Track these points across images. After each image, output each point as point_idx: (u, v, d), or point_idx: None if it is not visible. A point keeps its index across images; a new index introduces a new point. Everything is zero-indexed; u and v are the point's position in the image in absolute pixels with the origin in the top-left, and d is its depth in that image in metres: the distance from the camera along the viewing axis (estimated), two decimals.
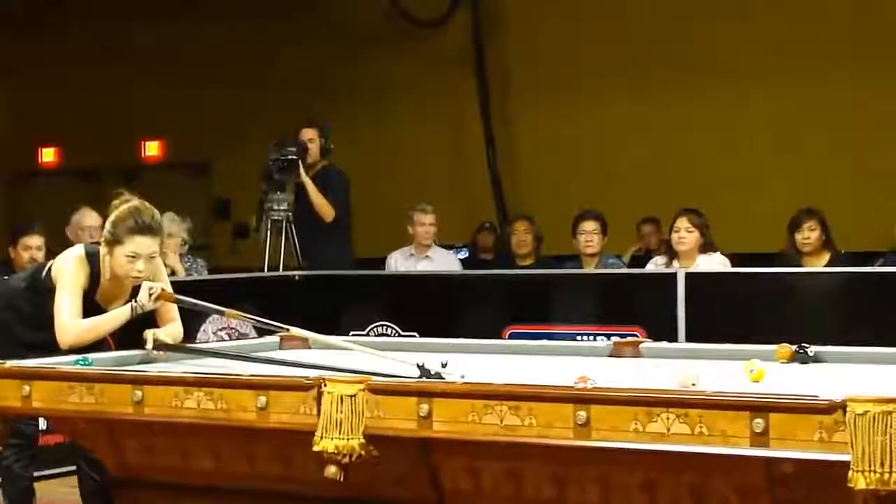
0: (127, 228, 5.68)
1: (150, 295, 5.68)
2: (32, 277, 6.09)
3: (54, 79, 16.50)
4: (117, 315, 5.72)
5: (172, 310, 5.86)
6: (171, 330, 5.76)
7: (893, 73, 12.60)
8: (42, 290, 5.85)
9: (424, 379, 4.26)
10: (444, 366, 4.40)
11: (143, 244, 5.69)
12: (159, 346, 5.53)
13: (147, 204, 5.80)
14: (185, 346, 5.74)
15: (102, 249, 5.78)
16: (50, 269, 5.88)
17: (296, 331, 5.44)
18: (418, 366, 4.35)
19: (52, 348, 5.59)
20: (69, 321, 5.66)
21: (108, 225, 5.75)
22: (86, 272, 5.80)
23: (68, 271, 5.78)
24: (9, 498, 6.22)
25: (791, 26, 12.98)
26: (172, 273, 9.90)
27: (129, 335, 5.75)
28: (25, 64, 16.82)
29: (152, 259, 5.76)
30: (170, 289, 5.88)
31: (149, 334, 5.58)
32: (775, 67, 13.02)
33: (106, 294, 5.87)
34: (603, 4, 13.91)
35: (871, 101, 12.70)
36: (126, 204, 5.76)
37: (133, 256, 5.68)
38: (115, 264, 5.73)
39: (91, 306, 5.81)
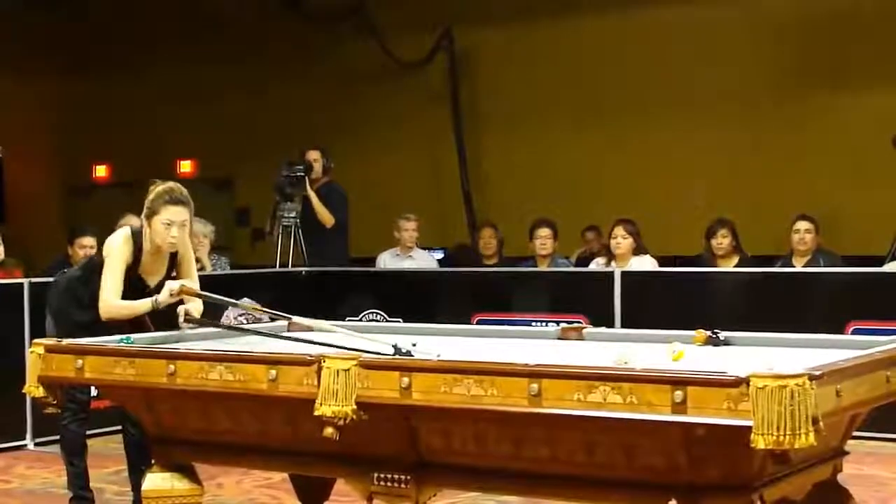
0: (162, 201, 5.74)
1: (171, 293, 5.68)
2: (87, 263, 6.20)
3: (105, 107, 16.44)
4: (143, 304, 5.74)
5: (195, 285, 5.88)
6: (199, 305, 5.76)
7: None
8: (95, 270, 5.88)
9: (398, 357, 4.24)
10: (414, 346, 4.40)
11: (175, 213, 5.74)
12: (189, 319, 5.54)
13: (178, 184, 5.85)
14: (207, 321, 5.74)
15: (143, 224, 5.80)
16: (101, 250, 5.92)
17: (297, 319, 5.44)
18: (393, 346, 4.35)
19: (97, 327, 5.60)
20: (109, 298, 5.73)
21: (146, 203, 5.80)
22: (130, 248, 5.82)
23: (115, 249, 5.82)
24: (66, 451, 6.22)
25: (694, 71, 13.03)
26: (202, 268, 9.90)
27: (162, 320, 5.76)
28: (82, 95, 16.78)
29: (184, 227, 5.79)
30: (196, 284, 5.88)
31: (181, 310, 5.60)
32: (684, 104, 13.08)
33: (147, 268, 5.89)
34: (556, 54, 13.91)
35: (763, 137, 12.77)
36: (160, 185, 5.82)
37: (168, 224, 5.72)
38: (154, 233, 5.76)
39: (135, 279, 5.85)
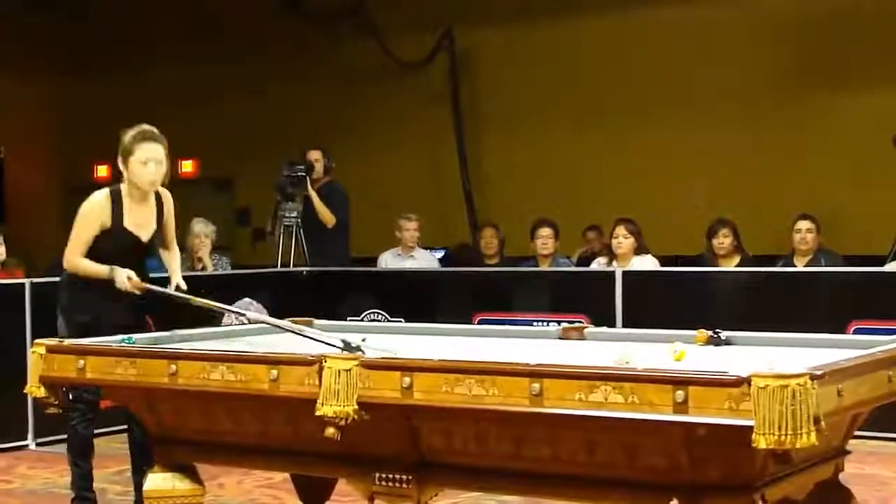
0: (136, 140, 5.86)
1: (122, 284, 5.78)
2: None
3: (106, 107, 16.43)
4: (100, 270, 5.82)
5: (175, 256, 6.14)
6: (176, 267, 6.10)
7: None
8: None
9: (346, 352, 4.25)
10: (363, 341, 4.42)
11: (151, 149, 5.86)
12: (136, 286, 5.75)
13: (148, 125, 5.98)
14: (153, 288, 5.85)
15: (121, 169, 5.89)
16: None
17: (252, 316, 5.55)
18: (342, 341, 4.37)
19: (94, 327, 5.62)
20: (68, 254, 5.89)
21: (120, 147, 5.91)
22: (106, 205, 5.90)
23: (87, 206, 5.93)
24: (72, 453, 6.21)
25: (695, 72, 13.03)
26: (204, 268, 9.91)
27: (164, 321, 5.77)
28: (82, 95, 16.77)
29: (161, 164, 5.88)
30: (176, 253, 6.20)
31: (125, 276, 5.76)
32: (684, 104, 13.08)
33: (135, 220, 5.94)
34: (556, 54, 13.91)
35: (763, 137, 12.77)
36: (130, 129, 5.94)
37: (145, 162, 5.83)
38: (132, 174, 5.86)
39: (125, 234, 5.91)
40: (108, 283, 5.79)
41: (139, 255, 6.00)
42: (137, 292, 5.79)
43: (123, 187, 5.94)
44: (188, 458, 4.87)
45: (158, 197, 6.07)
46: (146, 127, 5.93)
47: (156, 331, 5.71)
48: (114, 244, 5.87)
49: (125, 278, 5.77)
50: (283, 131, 14.64)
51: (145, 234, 5.97)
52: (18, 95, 16.78)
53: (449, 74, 14.64)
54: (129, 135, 5.89)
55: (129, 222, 5.92)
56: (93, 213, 5.89)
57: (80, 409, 6.04)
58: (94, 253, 5.88)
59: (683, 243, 11.07)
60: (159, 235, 6.10)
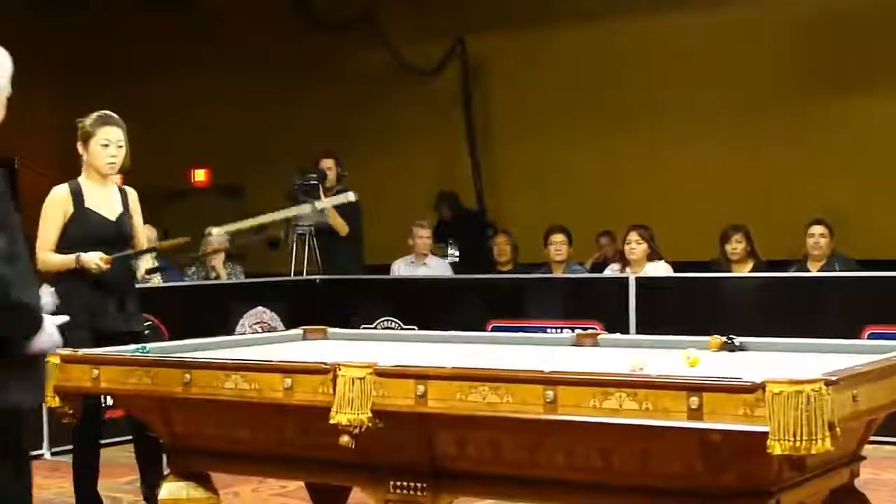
0: (97, 123, 5.94)
1: (94, 266, 5.82)
2: None
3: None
4: (66, 259, 5.88)
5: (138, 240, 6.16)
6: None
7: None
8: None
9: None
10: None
11: (111, 132, 5.95)
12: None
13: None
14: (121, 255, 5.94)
15: (81, 151, 5.97)
16: None
17: (216, 230, 5.73)
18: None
19: (98, 339, 5.63)
20: (38, 252, 5.90)
21: (80, 130, 5.99)
22: (64, 195, 5.97)
23: (46, 203, 6.00)
24: (79, 462, 6.21)
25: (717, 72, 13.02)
26: (217, 276, 9.92)
27: (180, 330, 5.78)
28: (94, 102, 16.76)
29: (120, 148, 5.95)
30: (143, 238, 6.25)
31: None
32: (697, 109, 13.06)
33: (97, 202, 5.99)
34: (567, 61, 13.93)
35: (777, 141, 12.75)
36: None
37: (105, 144, 5.91)
38: (92, 156, 5.92)
39: (89, 214, 5.97)
40: (87, 281, 5.81)
41: (116, 243, 6.01)
42: (106, 266, 5.82)
43: (81, 178, 6.04)
44: (203, 466, 4.88)
45: (123, 192, 6.12)
46: (107, 111, 6.00)
47: (169, 339, 5.73)
48: (82, 229, 5.92)
49: (97, 259, 5.79)
50: (294, 139, 14.66)
51: (112, 215, 5.99)
52: (25, 100, 16.75)
53: (461, 82, 14.66)
54: (89, 118, 5.98)
55: (90, 203, 5.97)
56: (53, 203, 5.98)
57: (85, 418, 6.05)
58: (68, 246, 5.91)
59: (697, 249, 11.06)
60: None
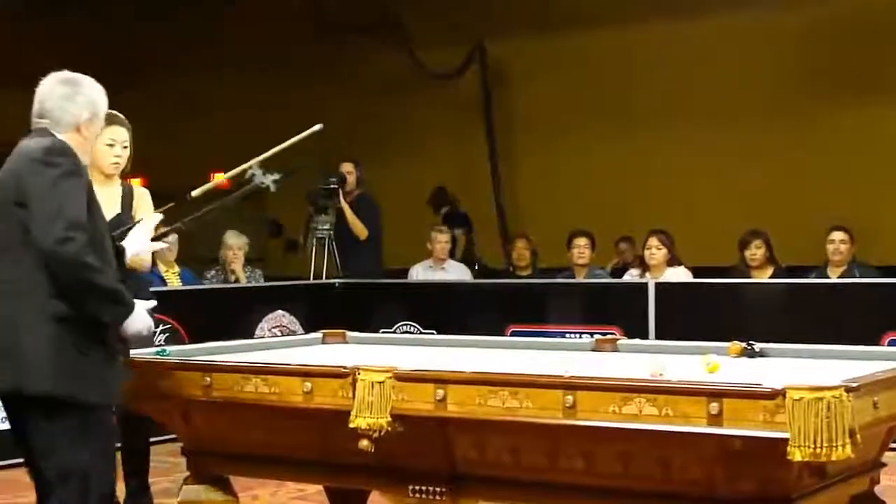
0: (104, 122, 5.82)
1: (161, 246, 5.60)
2: None
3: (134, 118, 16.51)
4: None
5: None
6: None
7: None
8: None
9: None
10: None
11: (116, 132, 5.93)
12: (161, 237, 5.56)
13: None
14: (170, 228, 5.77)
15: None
16: None
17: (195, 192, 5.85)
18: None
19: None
20: None
21: None
22: None
23: None
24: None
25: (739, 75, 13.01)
26: (237, 280, 9.94)
27: (200, 334, 5.78)
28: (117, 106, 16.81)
29: (125, 148, 5.95)
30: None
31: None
32: (718, 114, 13.05)
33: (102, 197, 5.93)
34: (586, 65, 13.94)
35: (797, 147, 12.73)
36: None
37: (111, 144, 5.88)
38: (98, 156, 5.82)
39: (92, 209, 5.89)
40: None
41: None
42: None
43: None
44: (222, 469, 4.88)
45: (129, 192, 6.08)
46: (113, 111, 5.96)
47: (189, 342, 5.74)
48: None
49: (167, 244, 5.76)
50: (314, 143, 14.64)
51: (107, 215, 5.95)
52: (24, 98, 16.79)
53: (480, 87, 14.67)
54: None
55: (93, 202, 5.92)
56: None
57: None
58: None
59: (716, 254, 11.03)
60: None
